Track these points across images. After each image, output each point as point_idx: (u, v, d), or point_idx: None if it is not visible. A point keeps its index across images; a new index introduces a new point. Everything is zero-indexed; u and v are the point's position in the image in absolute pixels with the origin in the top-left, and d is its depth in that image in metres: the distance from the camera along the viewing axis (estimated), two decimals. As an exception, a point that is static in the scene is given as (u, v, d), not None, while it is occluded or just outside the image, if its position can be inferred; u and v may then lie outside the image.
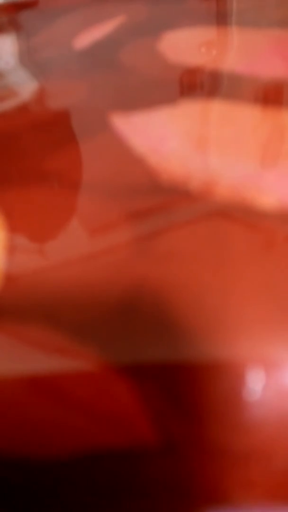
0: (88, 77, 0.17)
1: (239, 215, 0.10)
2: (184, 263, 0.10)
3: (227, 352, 0.08)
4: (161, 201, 0.11)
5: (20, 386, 0.08)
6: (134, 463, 0.08)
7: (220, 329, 0.09)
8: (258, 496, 0.08)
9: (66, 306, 0.09)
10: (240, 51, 0.18)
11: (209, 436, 0.08)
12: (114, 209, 0.11)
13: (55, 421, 0.08)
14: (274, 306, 0.09)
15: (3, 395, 0.08)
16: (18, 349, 0.09)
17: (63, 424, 0.08)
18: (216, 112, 0.14)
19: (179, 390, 0.08)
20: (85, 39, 0.20)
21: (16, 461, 0.08)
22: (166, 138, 0.13)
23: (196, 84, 0.16)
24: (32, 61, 0.19)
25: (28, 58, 0.20)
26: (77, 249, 0.10)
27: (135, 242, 0.10)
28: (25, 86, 0.17)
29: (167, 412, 0.08)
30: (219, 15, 0.21)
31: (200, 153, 0.12)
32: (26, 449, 0.08)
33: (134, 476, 0.08)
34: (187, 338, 0.08)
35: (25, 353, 0.09)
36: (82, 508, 0.08)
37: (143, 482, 0.08)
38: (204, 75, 0.16)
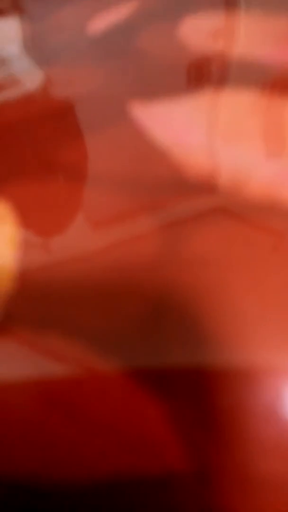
0: (102, 64, 0.16)
1: (272, 217, 0.10)
2: (213, 268, 0.09)
3: (262, 366, 0.07)
4: (186, 198, 0.10)
5: (40, 404, 0.07)
6: (162, 492, 0.07)
7: (255, 340, 0.08)
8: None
9: (85, 311, 0.08)
10: (266, 37, 0.17)
11: (246, 463, 0.07)
12: (134, 208, 0.10)
13: (77, 443, 0.07)
14: None
15: (20, 417, 0.07)
16: (34, 359, 0.08)
17: (85, 447, 0.07)
18: (245, 102, 0.13)
19: (212, 411, 0.07)
20: (98, 24, 0.20)
21: (38, 486, 0.07)
22: (191, 130, 0.12)
23: (222, 71, 0.15)
24: (40, 48, 0.18)
25: (35, 45, 0.19)
26: (87, 247, 0.09)
27: (159, 244, 0.09)
28: (32, 74, 0.16)
29: (199, 434, 0.07)
30: None
31: (229, 147, 0.12)
32: (48, 473, 0.07)
33: (163, 507, 0.07)
34: (220, 349, 0.08)
35: (41, 364, 0.08)
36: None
37: (169, 509, 0.07)
38: (231, 63, 0.15)
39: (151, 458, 0.07)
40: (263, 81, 0.14)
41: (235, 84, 0.14)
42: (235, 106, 0.13)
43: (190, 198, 0.10)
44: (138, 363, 0.08)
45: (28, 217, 0.10)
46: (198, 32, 0.17)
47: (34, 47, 0.18)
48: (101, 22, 0.20)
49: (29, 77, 0.16)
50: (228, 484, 0.07)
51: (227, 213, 0.10)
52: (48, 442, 0.07)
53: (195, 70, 0.15)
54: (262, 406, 0.07)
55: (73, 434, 0.07)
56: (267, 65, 0.15)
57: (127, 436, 0.07)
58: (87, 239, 0.10)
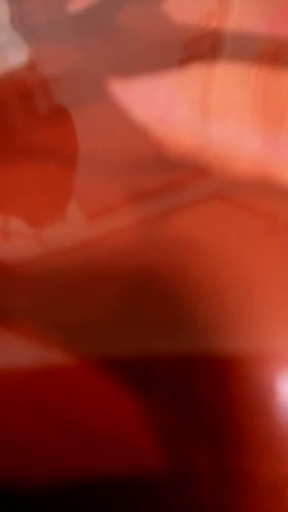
0: (82, 42, 0.16)
1: (259, 194, 0.09)
2: (197, 253, 0.08)
3: (251, 350, 0.07)
4: (169, 178, 0.10)
5: (19, 405, 0.07)
6: (141, 497, 0.07)
7: (247, 325, 0.07)
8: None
9: (63, 300, 0.08)
10: (251, 10, 0.16)
11: (232, 462, 0.07)
12: (115, 189, 0.10)
13: (44, 443, 0.07)
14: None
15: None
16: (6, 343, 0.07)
17: (54, 448, 0.07)
18: (229, 76, 0.13)
19: (193, 402, 0.07)
20: (79, 2, 0.19)
21: (3, 490, 0.07)
22: (173, 106, 0.12)
23: (205, 46, 0.14)
24: (24, 26, 0.18)
25: (20, 23, 0.18)
26: (74, 235, 0.09)
27: (140, 227, 0.09)
28: (15, 52, 0.16)
29: (182, 431, 0.07)
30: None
31: (213, 122, 0.11)
32: (12, 477, 0.07)
33: (141, 509, 0.07)
34: (204, 333, 0.07)
35: (18, 351, 0.07)
36: None
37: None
38: (214, 36, 0.15)
39: (128, 460, 0.06)
40: (250, 55, 0.13)
41: (220, 58, 0.13)
42: (221, 80, 0.12)
43: (173, 180, 0.10)
44: (118, 351, 0.07)
45: (5, 203, 0.10)
46: (185, 5, 0.17)
47: (20, 25, 0.18)
48: (81, 0, 0.19)
49: (13, 55, 0.16)
50: (217, 489, 0.07)
51: (217, 196, 0.09)
52: (12, 441, 0.07)
53: (178, 47, 0.14)
54: (252, 399, 0.07)
55: (40, 433, 0.07)
56: (253, 39, 0.14)
57: (100, 435, 0.07)
58: (70, 231, 0.09)
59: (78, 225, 0.09)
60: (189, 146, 0.10)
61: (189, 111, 0.11)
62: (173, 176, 0.10)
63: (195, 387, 0.07)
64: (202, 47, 0.14)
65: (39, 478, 0.07)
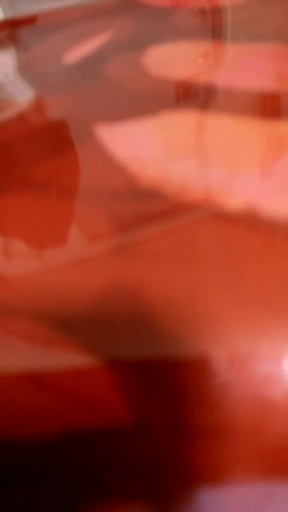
0: (76, 90, 0.18)
1: (208, 218, 0.11)
2: (159, 264, 0.10)
3: (198, 345, 0.09)
4: (139, 205, 0.12)
5: (8, 376, 0.09)
6: (111, 443, 0.09)
7: (190, 325, 0.09)
8: (232, 472, 0.09)
9: (50, 304, 0.10)
10: (222, 64, 0.18)
11: (181, 416, 0.08)
12: (96, 214, 0.12)
13: (39, 406, 0.09)
14: (239, 303, 0.09)
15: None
16: (4, 341, 0.09)
17: (46, 409, 0.09)
18: (193, 122, 0.15)
19: (154, 377, 0.09)
20: (74, 54, 0.21)
21: (2, 442, 0.09)
22: (146, 147, 0.14)
23: (177, 96, 0.16)
24: (27, 75, 0.20)
25: (24, 72, 0.20)
26: (61, 253, 0.11)
27: (114, 245, 0.11)
28: (20, 98, 0.18)
29: (142, 396, 0.09)
30: (204, 30, 0.22)
31: (177, 160, 0.13)
32: (11, 430, 0.09)
33: (111, 455, 0.09)
34: (161, 332, 0.09)
35: (12, 345, 0.09)
36: (64, 485, 0.09)
37: (120, 460, 0.09)
38: (184, 88, 0.17)
39: (96, 414, 0.09)
40: (219, 103, 0.15)
41: (187, 107, 0.16)
42: (186, 126, 0.15)
43: (142, 205, 0.12)
44: (93, 345, 0.09)
45: (4, 227, 0.12)
46: (163, 60, 0.19)
47: (24, 73, 0.20)
48: (77, 51, 0.21)
49: (18, 101, 0.18)
50: (169, 435, 0.08)
51: (191, 218, 0.11)
52: (18, 407, 0.09)
53: (158, 95, 0.17)
54: (196, 381, 0.08)
55: (39, 399, 0.09)
56: (226, 90, 0.16)
57: (75, 397, 0.09)
58: (66, 250, 0.11)
59: (71, 246, 0.11)
60: (156, 179, 0.13)
61: (159, 151, 0.14)
62: (143, 203, 0.12)
63: (154, 377, 0.09)
64: (176, 96, 0.16)
65: (31, 432, 0.09)
